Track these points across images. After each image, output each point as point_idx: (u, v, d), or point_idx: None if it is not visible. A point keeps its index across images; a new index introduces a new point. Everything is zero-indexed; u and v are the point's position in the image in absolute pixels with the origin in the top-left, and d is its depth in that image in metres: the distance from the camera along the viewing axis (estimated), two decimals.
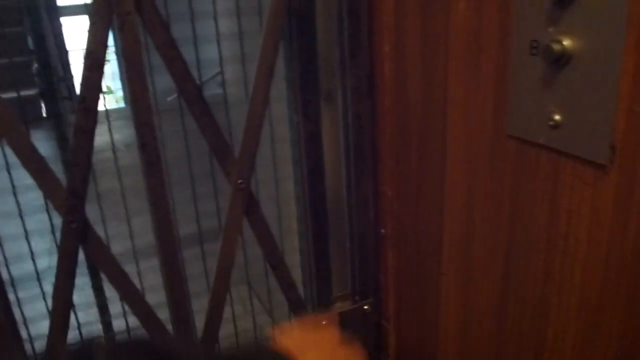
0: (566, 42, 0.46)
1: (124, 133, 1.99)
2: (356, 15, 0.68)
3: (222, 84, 0.78)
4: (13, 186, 0.69)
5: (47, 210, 0.69)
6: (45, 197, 0.67)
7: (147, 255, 0.79)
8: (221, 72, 0.78)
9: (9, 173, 0.68)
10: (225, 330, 0.80)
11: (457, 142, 0.61)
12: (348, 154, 0.75)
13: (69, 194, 0.67)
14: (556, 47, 0.46)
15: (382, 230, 0.77)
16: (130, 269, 0.73)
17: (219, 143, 0.69)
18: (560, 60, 0.47)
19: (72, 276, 0.70)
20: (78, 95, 0.64)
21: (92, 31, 0.61)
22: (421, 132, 0.66)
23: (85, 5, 0.63)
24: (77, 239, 0.69)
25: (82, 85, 0.64)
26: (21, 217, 0.72)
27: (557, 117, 0.49)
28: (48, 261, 0.79)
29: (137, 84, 0.64)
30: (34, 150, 0.65)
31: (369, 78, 0.70)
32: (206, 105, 0.68)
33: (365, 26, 0.68)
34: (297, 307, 0.79)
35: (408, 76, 0.65)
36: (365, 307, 0.81)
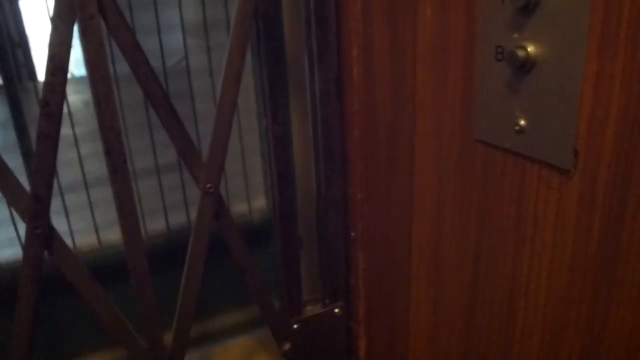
0: (530, 48, 0.46)
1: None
2: (324, 19, 0.67)
3: (188, 71, 0.77)
4: None
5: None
6: (8, 203, 0.65)
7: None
8: (185, 58, 0.77)
9: None
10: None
11: (426, 146, 0.61)
12: (317, 157, 0.74)
13: (33, 200, 0.65)
14: (520, 53, 0.47)
15: (352, 233, 0.77)
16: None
17: (187, 147, 0.68)
18: (525, 66, 0.47)
19: (37, 283, 0.68)
20: (40, 99, 0.62)
21: (54, 35, 0.59)
22: (390, 135, 0.66)
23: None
24: (42, 245, 0.67)
25: (45, 89, 0.62)
26: None
27: (522, 122, 0.49)
28: None
29: (101, 89, 0.63)
30: None
31: (337, 81, 0.70)
32: (173, 108, 0.66)
33: (333, 30, 0.68)
34: (267, 311, 0.78)
35: (376, 80, 0.65)
36: (336, 310, 0.80)
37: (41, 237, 0.67)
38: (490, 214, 0.55)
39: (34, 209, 0.65)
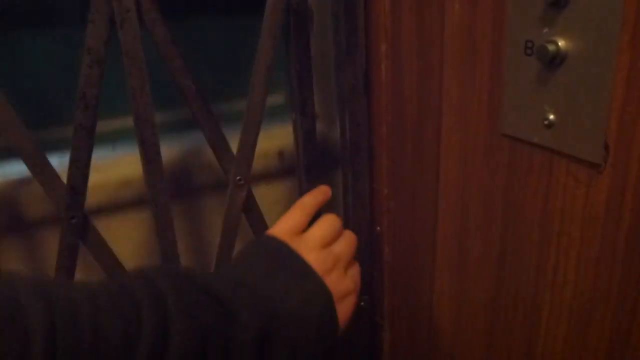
0: (561, 43, 0.46)
1: None
2: (352, 14, 0.68)
3: None
4: None
5: None
6: (46, 192, 0.67)
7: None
8: None
9: None
10: None
11: (452, 140, 0.61)
12: (344, 152, 0.75)
13: (70, 190, 0.66)
14: (551, 47, 0.46)
15: (378, 228, 0.77)
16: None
17: (218, 140, 0.69)
18: (555, 60, 0.47)
19: (72, 273, 0.70)
20: (77, 91, 0.64)
21: (91, 28, 0.61)
22: (416, 130, 0.66)
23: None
24: (77, 235, 0.69)
25: (82, 81, 0.64)
26: None
27: (551, 116, 0.49)
28: None
29: (136, 80, 0.64)
30: (33, 144, 0.65)
31: (366, 76, 0.70)
32: (206, 102, 0.67)
33: (362, 25, 0.68)
34: None
35: (404, 75, 0.65)
36: (361, 303, 0.81)
37: (76, 226, 0.68)
38: (516, 208, 0.55)
39: (70, 199, 0.67)
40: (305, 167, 0.72)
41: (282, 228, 0.55)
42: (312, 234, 0.55)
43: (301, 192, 0.74)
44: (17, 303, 0.34)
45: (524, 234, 0.54)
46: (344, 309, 0.51)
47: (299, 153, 0.72)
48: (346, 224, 0.78)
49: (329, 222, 0.56)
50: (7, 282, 0.36)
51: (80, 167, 0.67)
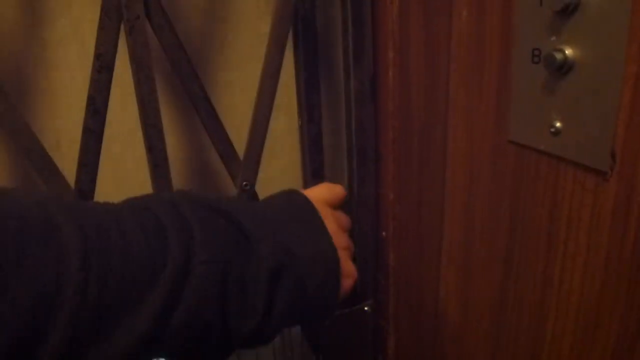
0: (568, 51, 0.46)
1: None
2: (360, 21, 0.68)
3: None
4: None
5: None
6: None
7: None
8: None
9: None
10: None
11: (458, 147, 0.61)
12: (350, 157, 0.75)
13: (78, 195, 0.67)
14: (558, 55, 0.46)
15: (383, 233, 0.77)
16: None
17: (225, 145, 0.69)
18: (562, 68, 0.47)
19: None
20: (87, 96, 0.64)
21: (101, 34, 0.61)
22: (423, 136, 0.66)
23: None
24: None
25: (92, 86, 0.64)
26: None
27: (558, 124, 0.49)
28: None
29: (145, 88, 0.65)
30: (41, 148, 0.65)
31: (373, 83, 0.70)
32: (212, 107, 0.68)
33: (370, 31, 0.68)
34: None
35: (411, 82, 0.66)
36: (365, 308, 0.81)
37: None
38: (522, 215, 0.55)
39: None
40: (312, 173, 0.72)
41: (313, 192, 0.57)
42: (337, 213, 0.58)
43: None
44: (52, 223, 0.35)
45: (530, 240, 0.54)
46: (346, 284, 0.53)
47: (304, 159, 0.72)
48: (352, 229, 0.78)
49: (347, 217, 0.61)
50: (40, 201, 0.36)
51: (89, 171, 0.68)
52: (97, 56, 0.62)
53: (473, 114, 0.58)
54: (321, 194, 0.58)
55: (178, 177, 0.79)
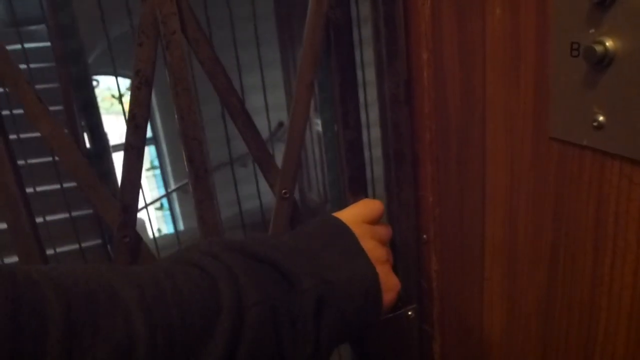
0: (609, 43, 0.45)
1: None
2: (393, 23, 0.68)
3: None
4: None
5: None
6: (99, 213, 0.70)
7: None
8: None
9: None
10: None
11: (497, 146, 0.60)
12: (388, 161, 0.75)
13: (122, 210, 0.69)
14: (598, 48, 0.46)
15: (424, 236, 0.77)
16: None
17: (263, 155, 0.70)
18: (603, 61, 0.46)
19: None
20: (128, 112, 0.67)
21: (139, 51, 0.63)
22: (460, 137, 0.66)
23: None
24: (130, 254, 0.71)
25: (132, 102, 0.66)
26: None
27: (600, 117, 0.48)
28: None
29: (184, 99, 0.66)
30: (87, 166, 0.68)
31: (407, 85, 0.70)
32: (249, 117, 0.69)
33: (402, 34, 0.68)
34: None
35: (447, 82, 0.65)
36: (409, 312, 0.80)
37: (129, 245, 0.71)
38: (567, 212, 0.54)
39: (123, 219, 0.69)
40: (349, 179, 0.72)
41: (349, 213, 0.60)
42: (375, 228, 0.60)
43: (345, 204, 0.75)
44: (114, 288, 0.39)
45: (577, 239, 0.53)
46: (388, 298, 0.55)
47: (342, 165, 0.73)
48: (393, 233, 0.78)
49: (389, 228, 0.64)
50: (96, 270, 0.40)
51: (132, 187, 0.70)
52: (137, 72, 0.64)
53: (511, 112, 0.57)
54: (356, 213, 0.60)
55: (218, 187, 0.80)
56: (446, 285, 0.77)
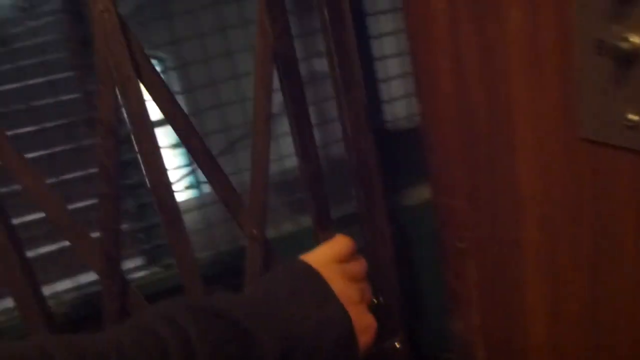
0: (634, 39, 0.46)
1: None
2: (346, 52, 0.72)
3: None
4: None
5: None
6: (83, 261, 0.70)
7: None
8: None
9: None
10: None
11: (527, 149, 0.62)
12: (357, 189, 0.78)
13: (106, 258, 0.69)
14: (624, 45, 0.46)
15: (460, 244, 0.79)
16: None
17: (229, 196, 0.73)
18: (630, 57, 0.47)
19: None
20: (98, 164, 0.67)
21: (100, 100, 0.64)
22: (489, 142, 0.67)
23: None
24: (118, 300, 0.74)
25: (100, 153, 0.67)
26: None
27: (632, 116, 0.49)
28: None
29: (147, 145, 0.68)
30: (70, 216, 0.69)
31: (431, 92, 0.73)
32: (214, 160, 0.71)
33: (358, 62, 0.72)
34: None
35: (470, 88, 0.67)
36: (396, 344, 0.84)
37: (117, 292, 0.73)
38: (605, 214, 0.55)
39: (107, 267, 0.72)
40: (316, 213, 0.75)
41: (316, 254, 0.62)
42: (346, 267, 0.62)
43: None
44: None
45: (618, 241, 0.55)
46: (364, 340, 0.58)
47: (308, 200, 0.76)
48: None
49: (363, 263, 0.65)
50: (36, 344, 0.42)
51: (111, 235, 0.71)
52: (100, 122, 0.65)
53: (538, 114, 0.59)
54: (325, 253, 0.62)
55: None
56: (486, 292, 0.79)
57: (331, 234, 0.69)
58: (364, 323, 0.59)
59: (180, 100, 0.73)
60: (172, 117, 0.67)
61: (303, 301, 0.55)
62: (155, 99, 0.66)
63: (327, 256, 0.61)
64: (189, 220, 1.15)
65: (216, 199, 0.73)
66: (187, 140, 0.68)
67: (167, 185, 0.68)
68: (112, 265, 0.71)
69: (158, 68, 0.67)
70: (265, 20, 0.65)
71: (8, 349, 0.41)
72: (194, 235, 0.83)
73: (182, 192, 0.96)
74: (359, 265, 0.65)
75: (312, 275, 0.58)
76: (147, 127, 0.65)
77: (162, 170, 0.68)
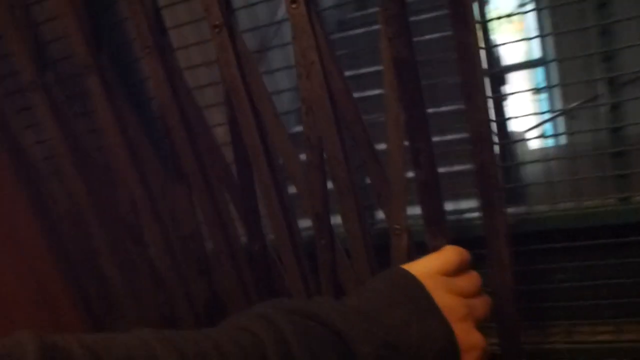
0: None
1: None
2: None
3: None
4: None
5: None
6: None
7: None
8: None
9: None
10: None
11: None
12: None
13: (315, 218, 0.89)
14: None
15: None
16: None
17: (381, 187, 0.79)
18: None
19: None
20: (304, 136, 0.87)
21: (304, 83, 0.80)
22: None
23: None
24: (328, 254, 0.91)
25: (305, 127, 0.86)
26: None
27: None
28: None
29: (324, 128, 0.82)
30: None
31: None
32: (374, 150, 0.80)
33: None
34: None
35: None
36: None
37: (326, 247, 0.91)
38: None
39: (318, 226, 0.89)
40: (426, 222, 0.75)
41: (422, 264, 0.60)
42: (454, 280, 0.59)
43: None
44: (154, 355, 0.41)
45: None
46: (470, 359, 0.55)
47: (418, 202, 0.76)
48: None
49: (474, 278, 0.61)
50: (140, 337, 0.43)
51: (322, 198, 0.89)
52: (303, 100, 0.86)
53: None
54: (431, 264, 0.59)
55: None
56: None
57: (442, 243, 0.69)
58: (470, 342, 0.55)
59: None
60: (345, 108, 0.79)
61: (404, 313, 0.53)
62: (329, 87, 0.78)
63: (432, 267, 0.58)
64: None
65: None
66: (354, 127, 0.80)
67: (340, 161, 0.81)
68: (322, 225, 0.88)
69: None
70: None
71: (121, 345, 0.42)
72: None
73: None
74: (469, 280, 0.60)
75: (414, 285, 0.55)
76: (327, 109, 0.79)
77: (338, 147, 0.81)
